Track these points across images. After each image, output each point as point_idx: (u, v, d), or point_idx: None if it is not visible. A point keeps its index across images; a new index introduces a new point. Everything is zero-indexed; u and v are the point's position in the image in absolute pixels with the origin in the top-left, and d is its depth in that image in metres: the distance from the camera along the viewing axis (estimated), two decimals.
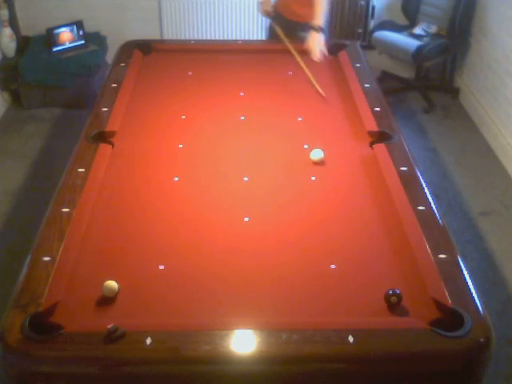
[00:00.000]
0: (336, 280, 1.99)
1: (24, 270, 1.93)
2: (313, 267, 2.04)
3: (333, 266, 2.03)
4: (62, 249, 2.01)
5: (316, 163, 2.58)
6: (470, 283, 1.91)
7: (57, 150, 4.09)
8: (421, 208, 2.24)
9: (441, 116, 4.70)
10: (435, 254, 2.01)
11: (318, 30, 3.51)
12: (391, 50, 4.75)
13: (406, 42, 4.58)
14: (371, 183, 2.47)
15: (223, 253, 2.09)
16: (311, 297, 1.92)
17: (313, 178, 2.51)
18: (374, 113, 2.91)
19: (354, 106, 3.03)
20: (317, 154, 2.58)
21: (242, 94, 3.19)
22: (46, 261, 1.95)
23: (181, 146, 2.73)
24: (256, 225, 2.24)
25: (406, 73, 5.04)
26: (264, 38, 4.94)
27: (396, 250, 2.10)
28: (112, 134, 2.74)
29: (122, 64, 3.42)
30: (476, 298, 1.85)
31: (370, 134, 2.76)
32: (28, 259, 1.98)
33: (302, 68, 3.38)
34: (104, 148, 2.62)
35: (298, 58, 3.45)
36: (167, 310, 1.85)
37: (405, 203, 2.27)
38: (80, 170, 2.44)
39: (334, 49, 3.67)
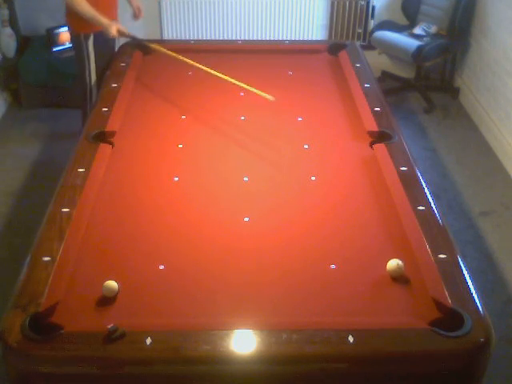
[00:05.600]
0: (336, 280, 1.99)
1: (24, 270, 1.93)
2: (313, 267, 2.04)
3: (333, 266, 2.03)
4: (62, 249, 2.01)
5: None
6: (470, 283, 1.91)
7: (57, 149, 4.09)
8: (421, 208, 2.24)
9: (441, 116, 4.70)
10: (435, 254, 2.01)
11: None
12: (391, 50, 4.75)
13: (405, 41, 4.58)
14: (371, 183, 2.47)
15: (223, 253, 2.09)
16: (311, 297, 1.92)
17: (313, 178, 2.51)
18: (374, 113, 2.90)
19: (353, 105, 3.03)
20: None
21: (241, 93, 3.19)
22: (46, 261, 1.95)
23: (181, 146, 2.73)
24: (256, 225, 2.24)
25: (406, 73, 5.04)
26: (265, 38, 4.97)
27: (396, 249, 2.10)
28: (112, 134, 2.75)
29: (122, 64, 3.42)
30: (476, 298, 1.85)
31: (370, 133, 2.76)
32: (28, 259, 1.98)
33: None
34: (104, 148, 2.62)
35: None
36: (167, 310, 1.85)
37: (405, 203, 2.27)
38: (80, 169, 2.44)
39: (334, 49, 3.67)
